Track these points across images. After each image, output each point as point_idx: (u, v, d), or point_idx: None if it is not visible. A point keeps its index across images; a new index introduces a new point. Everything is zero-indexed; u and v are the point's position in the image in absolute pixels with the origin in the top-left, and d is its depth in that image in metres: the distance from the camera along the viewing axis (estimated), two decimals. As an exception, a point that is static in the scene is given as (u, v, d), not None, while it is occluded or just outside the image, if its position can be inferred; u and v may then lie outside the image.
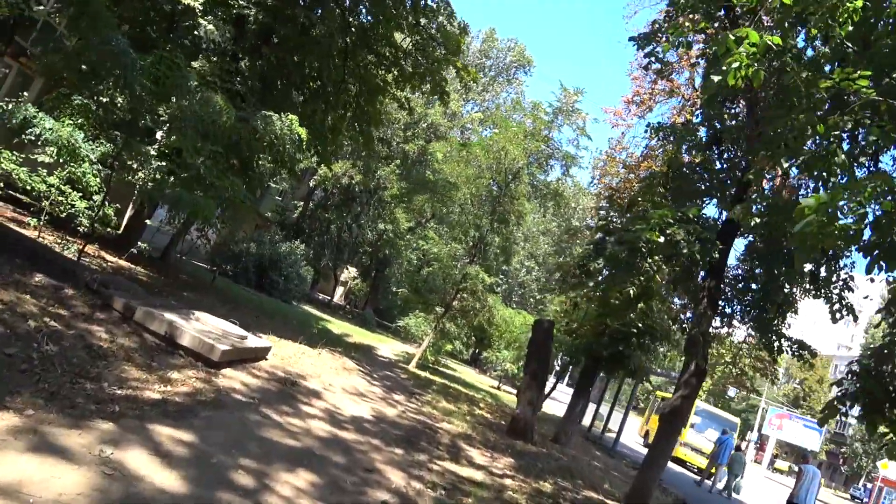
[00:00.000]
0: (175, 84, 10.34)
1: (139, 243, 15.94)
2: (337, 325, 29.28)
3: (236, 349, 8.69)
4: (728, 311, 11.73)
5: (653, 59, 11.81)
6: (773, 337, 11.47)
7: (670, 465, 24.31)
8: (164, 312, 8.60)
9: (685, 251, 8.59)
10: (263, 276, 29.11)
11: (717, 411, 29.17)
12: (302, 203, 40.23)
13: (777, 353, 11.49)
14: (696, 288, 10.50)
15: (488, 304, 22.11)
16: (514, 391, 34.16)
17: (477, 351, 37.40)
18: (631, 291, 8.57)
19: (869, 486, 64.88)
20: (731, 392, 59.00)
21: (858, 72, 5.71)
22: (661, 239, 8.46)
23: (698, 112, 17.21)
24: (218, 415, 6.47)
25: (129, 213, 19.61)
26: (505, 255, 22.70)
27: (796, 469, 18.48)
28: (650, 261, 8.62)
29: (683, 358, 11.34)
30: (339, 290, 60.56)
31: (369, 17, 19.59)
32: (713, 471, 22.36)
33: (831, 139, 5.95)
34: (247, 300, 21.00)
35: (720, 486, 22.08)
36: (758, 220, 8.29)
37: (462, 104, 41.69)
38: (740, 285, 11.76)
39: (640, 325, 15.10)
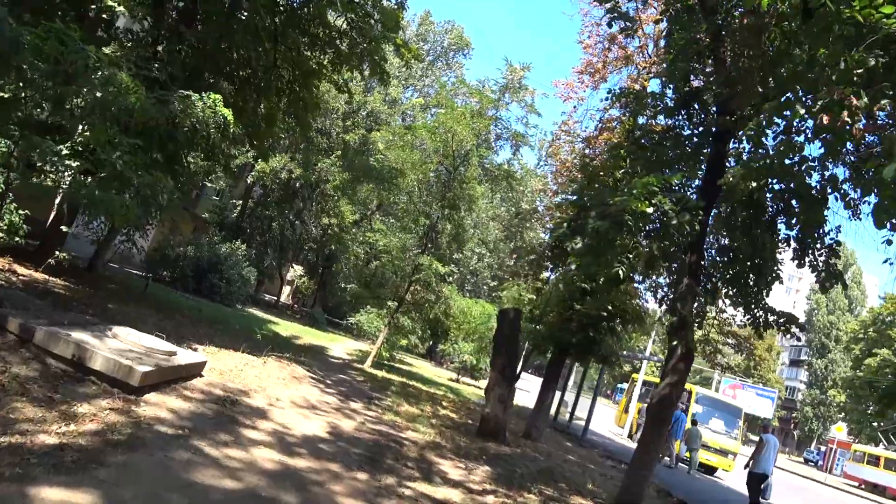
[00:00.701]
0: (71, 61, 8.80)
1: (56, 253, 14.32)
2: (285, 327, 27.83)
3: (161, 369, 7.36)
4: (709, 287, 10.87)
5: (615, 14, 10.84)
6: (759, 312, 10.69)
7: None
8: (72, 332, 7.21)
9: (674, 222, 7.64)
10: (203, 280, 27.40)
11: (720, 397, 26.54)
12: (241, 202, 38.34)
13: (764, 329, 10.70)
14: (681, 264, 9.60)
15: (444, 295, 21.03)
16: (474, 383, 33.34)
17: (432, 344, 36.31)
18: (620, 271, 7.58)
19: (823, 448, 66.66)
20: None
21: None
22: (650, 209, 7.50)
23: (654, 79, 16.47)
24: (134, 458, 5.18)
25: (50, 221, 17.90)
26: (457, 242, 21.62)
27: (756, 439, 18.30)
28: (638, 235, 7.68)
29: (666, 341, 10.45)
30: (286, 290, 58.72)
31: (298, -5, 18.18)
32: (669, 449, 21.96)
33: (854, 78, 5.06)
34: (184, 307, 19.44)
35: (674, 461, 22.02)
36: (754, 184, 7.37)
37: (402, 90, 40.40)
38: (721, 258, 10.93)
39: (609, 308, 14.26)
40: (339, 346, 28.09)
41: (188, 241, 29.25)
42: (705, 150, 11.16)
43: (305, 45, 18.44)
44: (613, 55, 16.91)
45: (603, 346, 15.01)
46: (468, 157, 20.93)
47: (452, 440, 10.76)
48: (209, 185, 38.68)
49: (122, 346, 7.55)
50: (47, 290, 11.96)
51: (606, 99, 13.64)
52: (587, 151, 16.70)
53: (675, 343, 9.87)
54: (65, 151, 11.61)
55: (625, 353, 20.21)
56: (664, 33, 16.58)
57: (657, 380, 27.45)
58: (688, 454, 22.01)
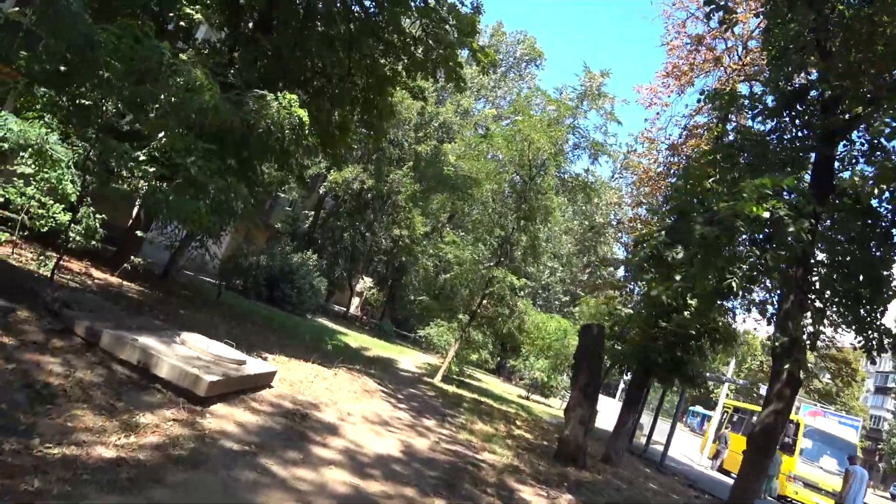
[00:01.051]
0: (145, 58, 8.58)
1: (132, 257, 14.30)
2: (354, 338, 27.60)
3: (230, 379, 6.95)
4: (817, 304, 9.80)
5: (714, 4, 9.97)
6: (873, 333, 9.58)
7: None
8: (140, 336, 6.89)
9: (791, 229, 6.76)
10: (275, 289, 27.50)
11: (833, 430, 22.19)
12: (313, 212, 38.61)
13: (878, 353, 9.57)
14: (787, 278, 8.65)
15: (518, 310, 20.31)
16: (545, 401, 32.36)
17: (502, 359, 35.51)
18: (733, 283, 6.75)
19: (911, 483, 62.63)
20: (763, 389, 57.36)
21: None
22: (766, 214, 6.64)
23: (743, 83, 15.45)
24: (196, 477, 4.72)
25: (128, 226, 18.16)
26: (532, 255, 20.88)
27: (843, 471, 17.61)
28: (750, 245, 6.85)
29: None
30: (355, 301, 58.96)
31: (373, 2, 17.94)
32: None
33: None
34: (256, 315, 19.35)
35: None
36: (880, 189, 6.45)
37: (474, 101, 40.00)
38: (830, 272, 9.85)
39: (698, 326, 13.27)
40: (408, 359, 27.65)
41: (261, 251, 29.50)
42: (809, 154, 10.18)
43: (380, 52, 18.20)
44: (700, 58, 15.94)
45: (690, 366, 13.99)
46: (545, 166, 20.21)
47: (530, 464, 10.02)
48: (282, 195, 39.18)
49: (189, 352, 7.19)
50: (121, 294, 11.88)
51: (699, 101, 12.80)
52: (673, 159, 15.76)
53: (782, 366, 8.90)
54: (142, 157, 11.53)
55: (708, 374, 18.97)
56: (754, 32, 15.61)
57: (749, 406, 25.63)
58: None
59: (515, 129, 19.86)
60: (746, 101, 11.09)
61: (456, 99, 37.87)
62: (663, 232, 9.05)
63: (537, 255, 21.01)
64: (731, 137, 15.90)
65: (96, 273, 13.03)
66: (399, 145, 35.62)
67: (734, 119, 16.76)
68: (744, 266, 6.98)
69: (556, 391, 30.46)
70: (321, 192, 34.23)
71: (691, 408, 65.84)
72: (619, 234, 18.11)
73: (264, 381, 8.14)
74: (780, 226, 6.80)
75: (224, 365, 7.27)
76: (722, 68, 15.71)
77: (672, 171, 15.44)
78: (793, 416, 26.99)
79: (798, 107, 10.46)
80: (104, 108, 10.46)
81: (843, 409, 69.14)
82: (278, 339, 14.18)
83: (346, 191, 32.80)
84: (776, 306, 9.94)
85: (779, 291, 10.03)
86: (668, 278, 9.03)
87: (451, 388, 19.26)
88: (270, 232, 39.47)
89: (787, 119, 10.72)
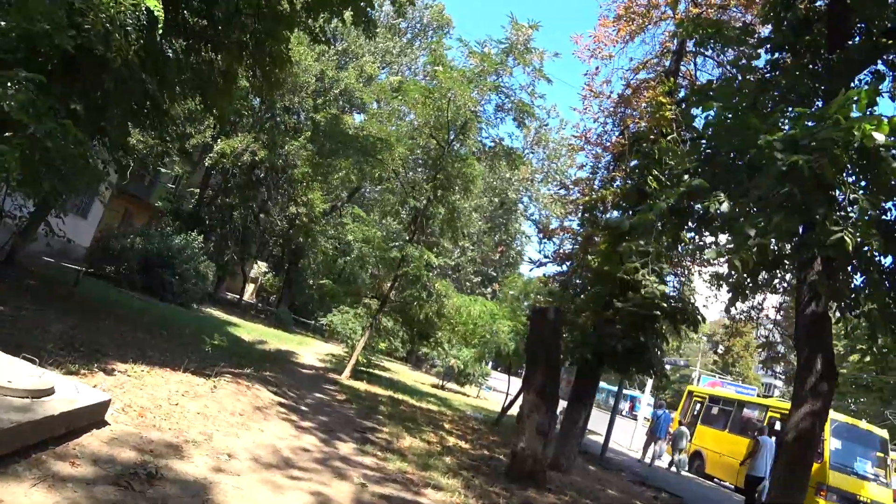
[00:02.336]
0: None
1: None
2: (248, 330, 24.34)
3: (15, 427, 4.00)
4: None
5: None
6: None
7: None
8: None
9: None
10: (152, 275, 23.67)
11: (862, 425, 17.83)
12: (199, 190, 34.48)
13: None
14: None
15: (436, 292, 17.74)
16: (460, 389, 30.16)
17: (412, 347, 32.99)
18: (846, 237, 4.43)
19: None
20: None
21: None
22: (880, 137, 4.36)
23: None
24: None
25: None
26: (451, 229, 18.32)
27: (749, 440, 16.44)
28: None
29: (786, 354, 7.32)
30: (250, 288, 54.88)
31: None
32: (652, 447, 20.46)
33: None
34: (124, 308, 15.91)
35: (651, 459, 20.28)
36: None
37: (378, 68, 36.83)
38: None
39: (664, 305, 11.17)
40: (310, 351, 24.67)
41: (136, 232, 25.54)
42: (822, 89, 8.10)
43: (273, -14, 15.04)
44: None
45: (650, 353, 11.92)
46: (465, 129, 17.66)
47: (484, 494, 7.53)
48: (164, 170, 34.89)
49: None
50: None
51: (678, 29, 10.63)
52: (625, 112, 13.56)
53: (809, 353, 6.80)
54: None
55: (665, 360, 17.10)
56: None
57: (728, 394, 23.18)
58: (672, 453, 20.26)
59: (433, 83, 17.15)
60: (735, 33, 8.90)
61: (358, 64, 34.63)
62: (685, 178, 6.62)
63: (456, 229, 18.45)
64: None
65: None
66: (295, 113, 32.04)
67: (688, 66, 14.85)
68: (838, 213, 4.73)
69: (472, 378, 28.28)
70: (206, 163, 30.27)
71: (630, 394, 64.36)
72: (569, 200, 15.62)
73: (89, 417, 5.16)
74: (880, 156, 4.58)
75: (9, 399, 4.28)
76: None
77: (624, 129, 13.27)
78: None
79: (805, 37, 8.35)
80: None
81: (738, 379, 71.35)
82: (143, 340, 10.99)
83: (235, 163, 28.99)
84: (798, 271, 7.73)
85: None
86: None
87: (363, 386, 16.55)
88: (151, 212, 35.15)
89: (787, 54, 8.63)
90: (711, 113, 6.39)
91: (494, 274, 40.75)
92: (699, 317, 11.72)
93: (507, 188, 38.16)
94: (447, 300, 17.50)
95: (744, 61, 8.58)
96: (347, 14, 14.74)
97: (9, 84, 8.50)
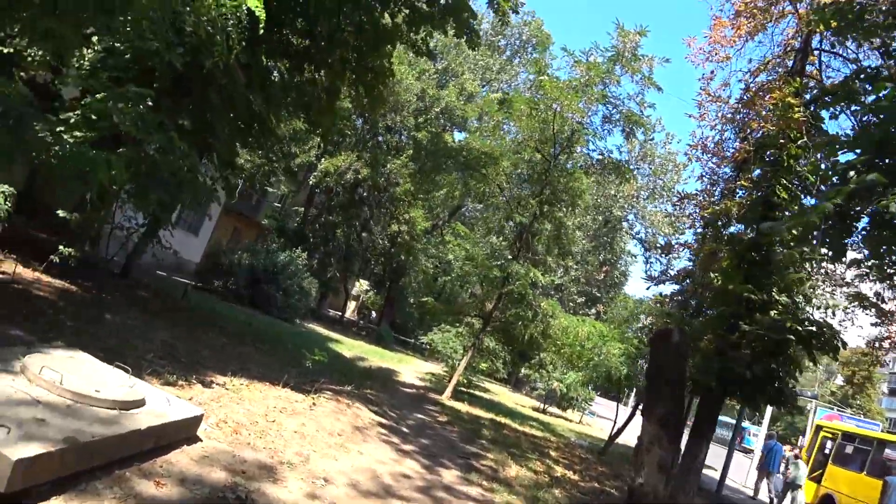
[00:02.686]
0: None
1: (60, 248, 10.87)
2: (348, 346, 24.32)
3: (86, 445, 3.66)
4: None
5: None
6: None
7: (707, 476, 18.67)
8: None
9: None
10: (257, 290, 24.11)
11: None
12: (303, 209, 35.14)
13: None
14: None
15: (542, 312, 16.95)
16: (561, 413, 29.08)
17: (513, 368, 32.09)
18: None
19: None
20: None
21: None
22: None
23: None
24: None
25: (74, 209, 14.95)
26: (558, 245, 17.49)
27: (881, 482, 14.61)
28: None
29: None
30: (351, 305, 55.60)
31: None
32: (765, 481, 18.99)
33: None
34: (227, 321, 16.07)
35: (770, 495, 18.63)
36: None
37: (479, 85, 36.56)
38: None
39: (798, 329, 9.99)
40: (409, 370, 24.37)
41: (243, 248, 26.18)
42: None
43: (376, 2, 14.95)
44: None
45: (782, 382, 10.71)
46: (572, 140, 16.91)
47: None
48: (270, 189, 35.91)
49: (14, 391, 3.88)
50: (23, 292, 8.60)
51: (798, 31, 9.60)
52: (748, 117, 12.42)
53: None
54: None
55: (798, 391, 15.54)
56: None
57: (867, 432, 20.79)
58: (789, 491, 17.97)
59: (538, 95, 16.52)
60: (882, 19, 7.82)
61: (459, 82, 34.48)
62: (851, 174, 5.67)
63: (563, 246, 17.64)
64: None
65: (20, 269, 9.73)
66: (397, 132, 32.23)
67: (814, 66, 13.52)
68: None
69: (574, 403, 27.14)
70: (310, 182, 30.78)
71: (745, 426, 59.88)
72: (676, 217, 14.41)
73: (180, 431, 4.83)
74: None
75: (82, 414, 3.96)
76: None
77: (747, 135, 12.13)
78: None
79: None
80: None
81: (860, 413, 65.68)
82: (244, 353, 10.87)
83: (338, 182, 29.38)
84: None
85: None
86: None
87: (464, 407, 15.98)
88: (259, 230, 36.18)
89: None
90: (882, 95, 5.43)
91: (599, 295, 39.33)
92: (839, 342, 10.41)
93: (612, 205, 36.78)
94: (553, 320, 16.67)
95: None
96: (449, 28, 14.39)
97: (121, 101, 8.58)
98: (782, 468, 18.52)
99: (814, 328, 10.41)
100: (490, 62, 38.13)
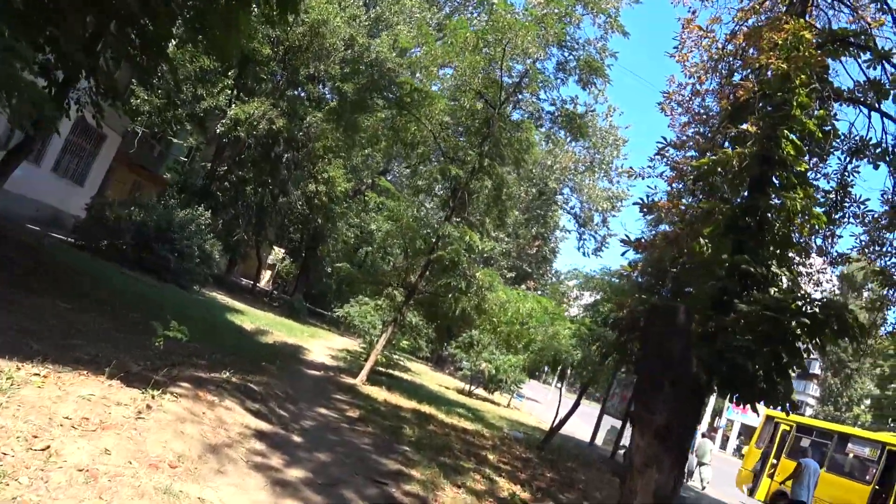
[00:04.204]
0: None
1: None
2: (253, 318, 21.37)
3: None
4: None
5: None
6: None
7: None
8: None
9: None
10: (148, 251, 20.66)
11: None
12: (210, 164, 31.33)
13: None
14: None
15: (476, 283, 14.36)
16: (489, 396, 26.86)
17: (438, 348, 29.64)
18: None
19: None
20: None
21: None
22: None
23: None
24: None
25: None
26: (498, 207, 14.95)
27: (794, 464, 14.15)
28: None
29: None
30: (267, 275, 52.07)
31: None
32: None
33: None
34: (97, 285, 12.92)
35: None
36: None
37: (414, 39, 33.31)
38: None
39: (810, 304, 7.85)
40: (321, 346, 21.62)
41: (134, 202, 22.57)
42: None
43: None
44: None
45: (785, 375, 8.56)
46: (521, 86, 14.40)
47: None
48: (175, 140, 32.04)
49: None
50: None
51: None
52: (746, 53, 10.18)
53: None
54: None
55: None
56: None
57: (825, 424, 19.40)
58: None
59: (488, 24, 13.81)
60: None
61: (393, 33, 31.23)
62: None
63: (504, 208, 15.12)
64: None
65: None
66: (319, 81, 28.82)
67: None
68: None
69: (503, 385, 24.95)
70: (218, 130, 27.12)
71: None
72: (651, 166, 11.84)
73: None
74: None
75: None
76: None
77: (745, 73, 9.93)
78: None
79: None
80: None
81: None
82: (81, 325, 7.91)
83: (249, 132, 25.82)
84: None
85: None
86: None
87: (382, 394, 13.39)
88: (163, 186, 32.25)
89: None
90: None
91: (529, 270, 37.32)
92: (858, 327, 8.28)
93: (548, 177, 34.64)
94: (490, 293, 14.22)
95: None
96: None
97: None
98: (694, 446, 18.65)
99: (824, 311, 8.26)
100: (427, 16, 35.04)
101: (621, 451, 18.86)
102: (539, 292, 27.84)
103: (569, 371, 13.12)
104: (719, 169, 8.95)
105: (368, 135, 16.11)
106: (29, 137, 14.56)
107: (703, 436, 20.22)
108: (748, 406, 9.04)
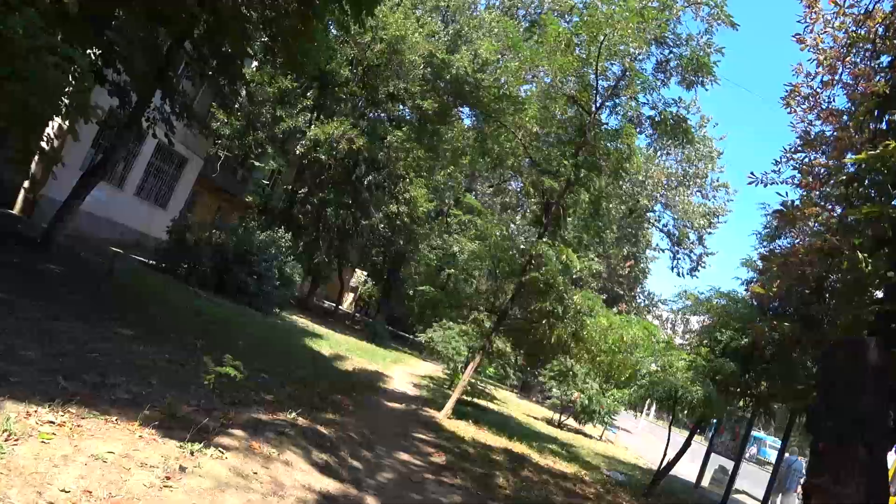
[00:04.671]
0: None
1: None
2: (334, 342, 20.50)
3: None
4: None
5: None
6: None
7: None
8: None
9: None
10: (227, 274, 20.20)
11: None
12: (290, 187, 30.99)
13: None
14: None
15: (573, 307, 12.83)
16: (579, 427, 25.06)
17: (526, 374, 28.08)
18: None
19: None
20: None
21: None
22: None
23: None
24: None
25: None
26: (597, 223, 13.42)
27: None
28: None
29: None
30: (349, 298, 51.80)
31: None
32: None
33: None
34: (170, 309, 12.25)
35: None
36: None
37: (497, 51, 32.28)
38: None
39: None
40: (403, 372, 20.52)
41: (215, 226, 22.24)
42: None
43: None
44: None
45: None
46: (618, 88, 12.97)
47: None
48: (258, 163, 32.00)
49: None
50: None
51: None
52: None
53: None
54: None
55: None
56: None
57: None
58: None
59: (581, 19, 12.47)
60: None
61: (473, 48, 30.27)
62: None
63: (603, 224, 13.62)
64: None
65: None
66: (399, 100, 28.05)
67: None
68: None
69: (596, 417, 23.10)
70: (297, 151, 26.69)
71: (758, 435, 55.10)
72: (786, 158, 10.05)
73: None
74: None
75: None
76: None
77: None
78: None
79: None
80: None
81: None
82: (137, 358, 6.99)
83: (329, 152, 25.30)
84: None
85: None
86: None
87: (469, 431, 12.08)
88: (245, 210, 32.26)
89: None
90: None
91: (621, 292, 35.30)
92: None
93: (639, 193, 32.67)
94: (589, 318, 12.71)
95: None
96: None
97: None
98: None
99: None
100: (507, 28, 33.96)
101: (735, 496, 16.93)
102: (634, 315, 25.94)
103: (685, 411, 11.40)
104: (879, 166, 7.26)
105: (452, 148, 14.95)
106: (105, 159, 14.32)
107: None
108: None
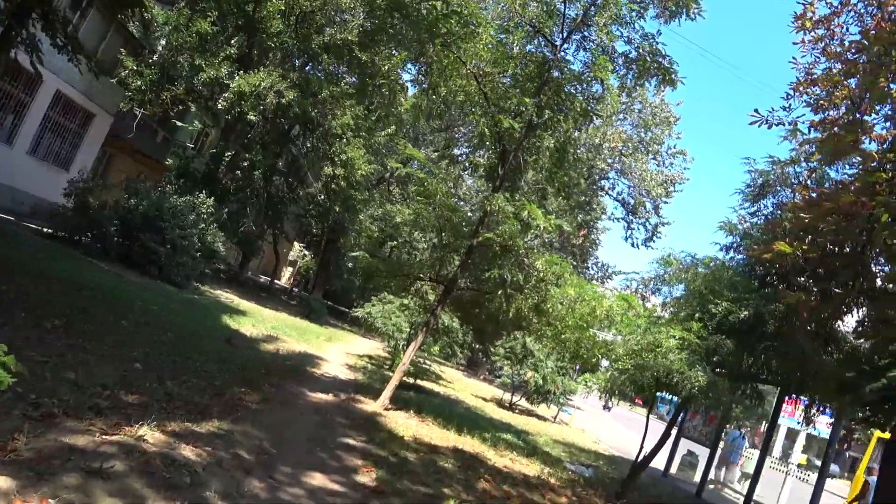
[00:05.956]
0: None
1: None
2: (261, 320, 18.18)
3: None
4: None
5: None
6: None
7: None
8: None
9: None
10: (133, 242, 17.46)
11: None
12: (215, 149, 27.94)
13: None
14: None
15: (535, 272, 10.65)
16: (532, 408, 23.26)
17: (477, 351, 26.18)
18: None
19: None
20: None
21: None
22: None
23: None
24: None
25: None
26: (559, 178, 11.36)
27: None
28: None
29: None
30: (287, 272, 49.09)
31: None
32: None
33: None
34: (46, 282, 9.71)
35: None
36: None
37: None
38: None
39: None
40: (338, 351, 18.30)
41: (123, 188, 19.29)
42: None
43: None
44: None
45: None
46: (588, 16, 10.85)
47: None
48: (180, 124, 28.93)
49: None
50: None
51: None
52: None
53: None
54: None
55: None
56: None
57: None
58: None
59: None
60: None
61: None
62: None
63: (568, 178, 11.52)
64: None
65: None
66: (339, 53, 25.15)
67: None
68: None
69: (550, 397, 21.33)
70: (219, 107, 23.68)
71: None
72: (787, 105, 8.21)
73: None
74: None
75: None
76: None
77: None
78: None
79: None
80: None
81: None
82: None
83: (256, 108, 22.42)
84: None
85: None
86: None
87: (410, 425, 9.96)
88: (164, 173, 29.15)
89: None
90: None
91: (574, 263, 33.57)
92: None
93: (595, 157, 30.78)
94: (554, 289, 10.65)
95: None
96: None
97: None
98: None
99: None
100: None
101: (710, 487, 15.43)
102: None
103: (674, 400, 9.51)
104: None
105: (388, 82, 12.58)
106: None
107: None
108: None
